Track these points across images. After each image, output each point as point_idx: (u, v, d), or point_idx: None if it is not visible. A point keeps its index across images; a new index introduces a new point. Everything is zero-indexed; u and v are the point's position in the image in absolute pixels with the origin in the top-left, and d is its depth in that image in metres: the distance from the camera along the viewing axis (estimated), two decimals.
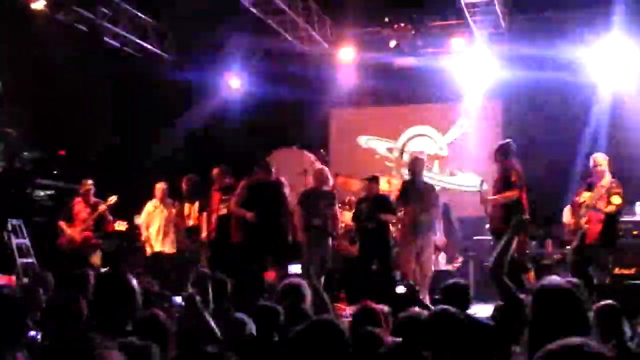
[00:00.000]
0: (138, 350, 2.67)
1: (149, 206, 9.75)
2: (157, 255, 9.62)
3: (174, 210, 9.71)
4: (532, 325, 2.80)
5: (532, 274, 7.92)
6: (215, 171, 9.30)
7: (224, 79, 12.29)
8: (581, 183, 8.09)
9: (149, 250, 9.67)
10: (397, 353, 2.88)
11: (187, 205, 9.45)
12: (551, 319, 2.68)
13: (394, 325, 4.03)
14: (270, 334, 4.09)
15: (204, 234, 9.17)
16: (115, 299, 3.46)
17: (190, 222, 9.39)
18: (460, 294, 4.95)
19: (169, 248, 9.67)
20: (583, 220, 7.69)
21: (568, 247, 8.36)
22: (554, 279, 4.35)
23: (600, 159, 7.79)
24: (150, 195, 9.83)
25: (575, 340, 1.81)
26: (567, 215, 8.07)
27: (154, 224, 9.67)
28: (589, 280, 7.39)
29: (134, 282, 3.58)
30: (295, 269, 5.43)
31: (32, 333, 3.91)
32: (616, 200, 7.60)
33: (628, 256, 8.99)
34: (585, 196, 7.80)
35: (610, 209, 7.58)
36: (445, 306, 3.78)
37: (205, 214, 9.23)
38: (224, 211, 9.08)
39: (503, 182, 7.87)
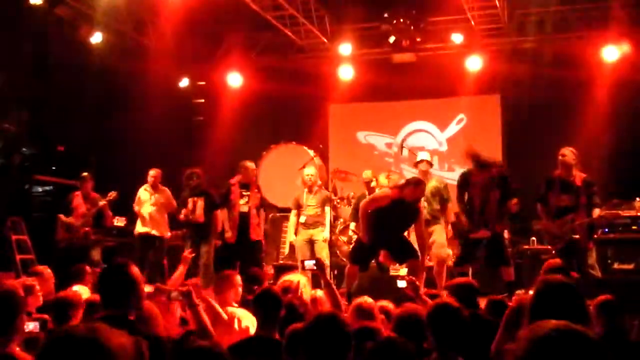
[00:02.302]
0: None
1: (142, 191, 9.81)
2: (148, 237, 9.64)
3: (169, 195, 9.80)
4: (532, 320, 2.79)
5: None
6: (242, 165, 9.35)
7: (223, 74, 12.26)
8: (552, 183, 7.99)
9: (139, 230, 9.70)
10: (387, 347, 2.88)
11: (190, 200, 9.46)
12: (552, 313, 2.68)
13: (394, 321, 4.05)
14: (273, 325, 4.09)
15: (228, 234, 9.21)
16: (121, 290, 3.47)
17: (195, 219, 9.41)
18: (468, 291, 4.95)
19: (159, 232, 9.72)
20: (569, 229, 7.67)
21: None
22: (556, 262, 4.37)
23: (567, 151, 7.84)
24: None
25: (573, 326, 1.81)
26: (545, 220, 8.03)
27: (144, 210, 9.71)
28: (585, 275, 7.43)
29: (138, 272, 3.60)
30: (309, 265, 5.42)
31: (31, 326, 3.91)
32: (597, 199, 7.64)
33: (627, 251, 9.01)
34: (565, 200, 7.78)
35: (598, 213, 7.58)
36: (446, 301, 3.79)
37: (222, 210, 9.29)
38: (244, 208, 9.13)
39: (502, 188, 7.93)
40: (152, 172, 9.82)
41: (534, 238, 10.10)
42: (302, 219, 9.44)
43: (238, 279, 5.66)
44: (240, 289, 5.63)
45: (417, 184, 7.86)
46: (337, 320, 2.96)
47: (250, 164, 9.46)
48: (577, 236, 7.62)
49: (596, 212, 7.57)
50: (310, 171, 9.59)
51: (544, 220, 7.93)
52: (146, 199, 9.76)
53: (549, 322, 1.82)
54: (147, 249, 9.52)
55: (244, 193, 9.18)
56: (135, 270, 3.58)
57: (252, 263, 8.64)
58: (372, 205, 7.97)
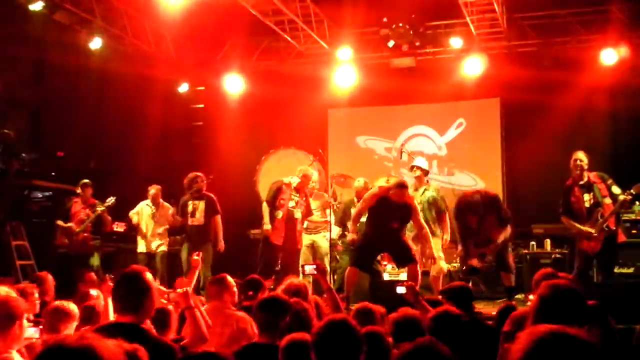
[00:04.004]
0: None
1: (143, 206, 9.86)
2: (150, 254, 9.72)
3: (171, 211, 9.83)
4: (535, 323, 2.79)
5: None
6: (303, 170, 9.37)
7: (222, 79, 12.26)
8: (570, 190, 8.03)
9: (141, 249, 9.77)
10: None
11: (190, 203, 9.47)
12: (556, 317, 2.68)
13: (392, 326, 4.05)
14: (275, 331, 4.08)
15: (267, 225, 9.16)
16: (135, 297, 3.50)
17: (195, 222, 9.43)
18: (463, 296, 4.99)
19: (162, 248, 9.79)
20: (605, 224, 7.70)
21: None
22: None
23: (581, 155, 7.95)
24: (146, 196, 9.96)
25: (569, 329, 1.84)
26: (577, 223, 8.01)
27: (147, 225, 9.76)
28: (590, 280, 7.47)
29: (152, 280, 3.64)
30: (309, 269, 5.44)
31: (31, 332, 3.91)
32: (617, 189, 7.72)
33: (627, 255, 9.02)
34: (588, 199, 7.84)
35: (625, 197, 7.64)
36: (447, 308, 3.79)
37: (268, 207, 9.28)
38: (297, 215, 9.17)
39: (496, 214, 8.12)
40: (153, 190, 9.85)
41: (533, 242, 10.11)
42: (305, 224, 9.49)
43: (232, 281, 5.66)
44: (235, 290, 5.62)
45: (401, 187, 8.06)
46: (349, 325, 2.96)
47: (312, 172, 9.46)
48: (612, 227, 7.69)
49: (620, 198, 7.64)
50: (313, 177, 9.63)
51: (575, 229, 7.91)
52: (148, 215, 9.81)
53: (545, 325, 1.85)
54: (150, 266, 9.55)
55: (293, 196, 9.18)
56: (149, 277, 3.64)
57: (292, 270, 8.67)
58: (363, 206, 8.30)
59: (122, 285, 3.66)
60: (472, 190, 8.87)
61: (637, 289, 7.98)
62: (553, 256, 9.88)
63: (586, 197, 7.80)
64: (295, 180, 9.24)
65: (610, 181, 7.81)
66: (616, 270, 8.90)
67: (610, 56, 10.36)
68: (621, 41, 10.24)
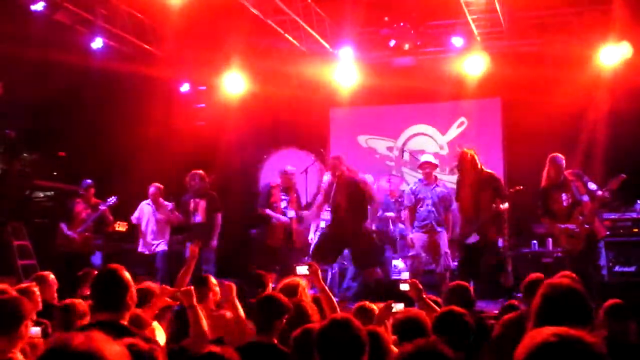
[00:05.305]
0: (142, 354, 2.65)
1: (144, 206, 9.88)
2: (150, 254, 9.74)
3: (170, 207, 9.86)
4: (537, 323, 2.79)
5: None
6: (282, 170, 9.58)
7: (223, 79, 12.25)
8: (547, 192, 8.06)
9: (141, 248, 9.79)
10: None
11: (192, 201, 9.50)
12: (557, 317, 2.68)
13: (394, 324, 4.07)
14: (272, 330, 4.08)
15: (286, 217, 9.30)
16: (114, 294, 3.49)
17: (199, 219, 9.46)
18: (462, 295, 5.01)
19: (162, 247, 9.80)
20: (586, 222, 7.70)
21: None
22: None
23: (558, 156, 8.06)
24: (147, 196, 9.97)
25: (571, 331, 1.83)
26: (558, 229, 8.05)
27: (147, 224, 9.78)
28: (590, 278, 7.46)
29: (129, 277, 3.62)
30: (302, 270, 5.44)
31: (33, 331, 3.92)
32: (593, 185, 7.74)
33: (628, 254, 9.02)
34: (566, 199, 7.87)
35: (600, 193, 7.65)
36: (452, 308, 3.80)
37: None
38: (291, 213, 9.26)
39: (493, 190, 8.06)
40: (152, 188, 9.88)
41: (535, 241, 10.10)
42: (322, 224, 9.62)
43: (214, 281, 5.66)
44: (218, 290, 5.61)
45: (332, 158, 8.77)
46: (352, 324, 2.96)
47: (290, 168, 9.59)
48: (591, 225, 7.71)
49: (598, 193, 7.64)
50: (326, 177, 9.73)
51: (557, 229, 7.94)
52: (148, 214, 9.82)
53: (549, 327, 1.84)
54: (151, 266, 9.57)
55: (283, 197, 9.29)
56: (126, 274, 3.62)
57: (290, 270, 8.70)
58: (323, 195, 8.77)
59: (100, 284, 3.65)
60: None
61: (638, 288, 7.99)
62: (555, 255, 9.86)
63: (564, 196, 7.82)
64: (277, 182, 9.43)
65: (585, 178, 7.83)
66: (617, 269, 8.92)
67: (611, 55, 10.33)
68: (622, 40, 10.22)
